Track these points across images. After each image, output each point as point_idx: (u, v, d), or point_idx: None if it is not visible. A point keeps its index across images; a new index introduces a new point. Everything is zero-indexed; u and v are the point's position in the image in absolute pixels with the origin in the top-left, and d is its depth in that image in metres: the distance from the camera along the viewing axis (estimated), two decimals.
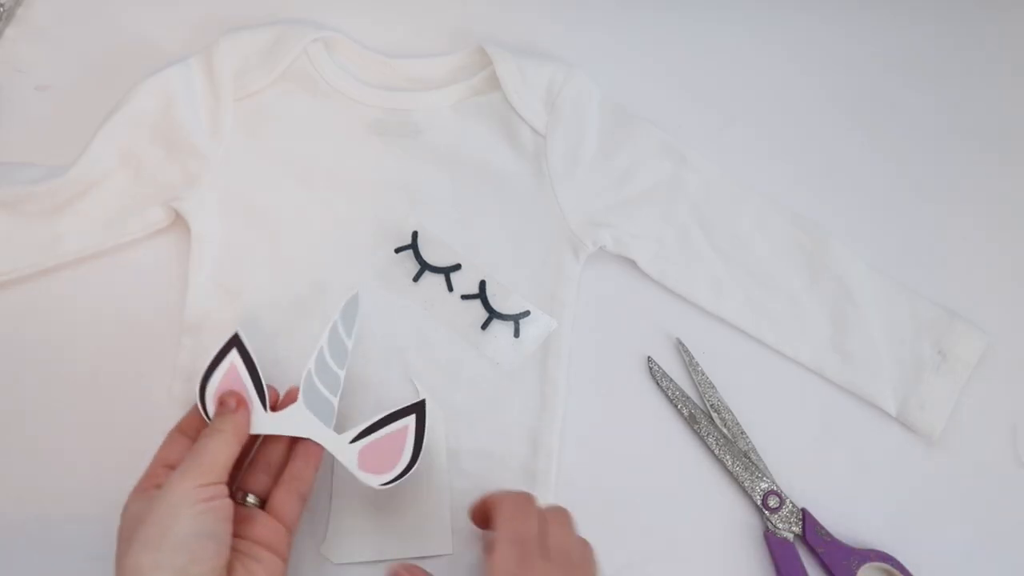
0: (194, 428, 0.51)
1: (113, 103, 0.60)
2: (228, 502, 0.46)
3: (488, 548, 0.45)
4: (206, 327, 0.58)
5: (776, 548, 0.55)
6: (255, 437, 0.52)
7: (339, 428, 0.52)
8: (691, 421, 0.58)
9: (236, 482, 0.51)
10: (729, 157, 0.63)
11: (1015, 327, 0.60)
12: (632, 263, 0.60)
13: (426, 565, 0.49)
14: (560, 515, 0.48)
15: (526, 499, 0.47)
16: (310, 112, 0.63)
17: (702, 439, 0.58)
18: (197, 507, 0.44)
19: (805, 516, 0.56)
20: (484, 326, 0.58)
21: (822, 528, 0.55)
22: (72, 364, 0.59)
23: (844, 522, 0.56)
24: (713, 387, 0.58)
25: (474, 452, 0.56)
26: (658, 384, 0.59)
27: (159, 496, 0.45)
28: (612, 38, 0.67)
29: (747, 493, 0.57)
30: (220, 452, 0.48)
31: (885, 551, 0.55)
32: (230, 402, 0.50)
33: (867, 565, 0.54)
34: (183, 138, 0.60)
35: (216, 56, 0.61)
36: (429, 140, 0.62)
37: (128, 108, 0.60)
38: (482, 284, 0.59)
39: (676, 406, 0.58)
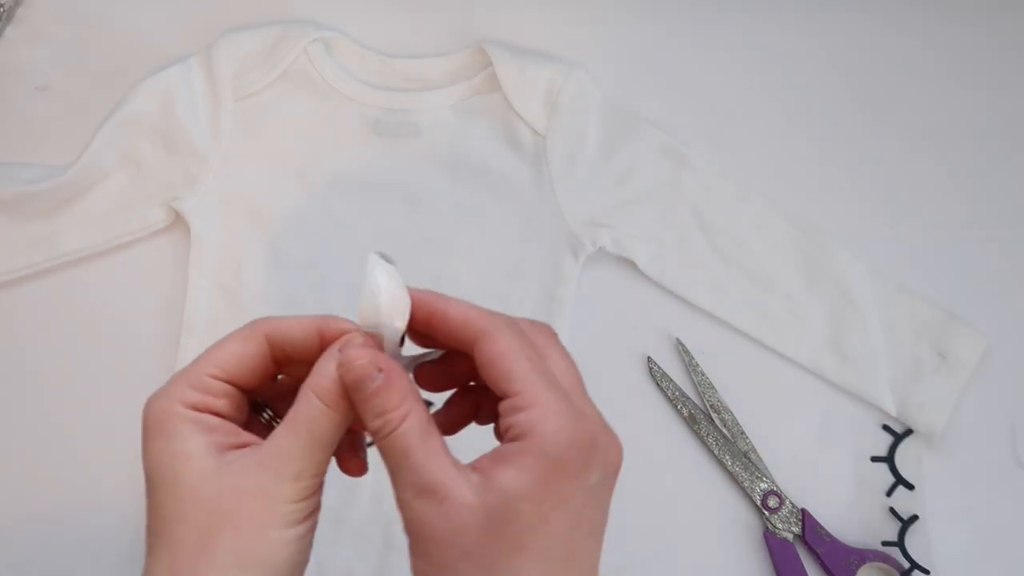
0: (289, 341, 0.32)
1: (113, 103, 0.61)
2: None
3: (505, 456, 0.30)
4: (206, 327, 0.58)
5: (776, 548, 0.55)
6: None
7: None
8: (691, 421, 0.58)
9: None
10: (729, 158, 0.63)
11: (1014, 328, 0.60)
12: (632, 263, 0.60)
13: None
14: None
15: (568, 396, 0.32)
16: (310, 112, 0.63)
17: (702, 439, 0.58)
18: (297, 524, 0.31)
19: (805, 516, 0.56)
20: None
21: (822, 528, 0.55)
22: (72, 364, 0.59)
23: (844, 522, 0.56)
24: (713, 387, 0.58)
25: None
26: (658, 384, 0.59)
27: (243, 486, 0.30)
28: (612, 38, 0.67)
29: (747, 493, 0.57)
30: (330, 448, 0.32)
31: (885, 551, 0.55)
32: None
33: (867, 565, 0.55)
34: (183, 138, 0.60)
35: (216, 56, 0.61)
36: (429, 140, 0.62)
37: (128, 108, 0.60)
38: None
39: (676, 406, 0.58)
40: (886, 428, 0.58)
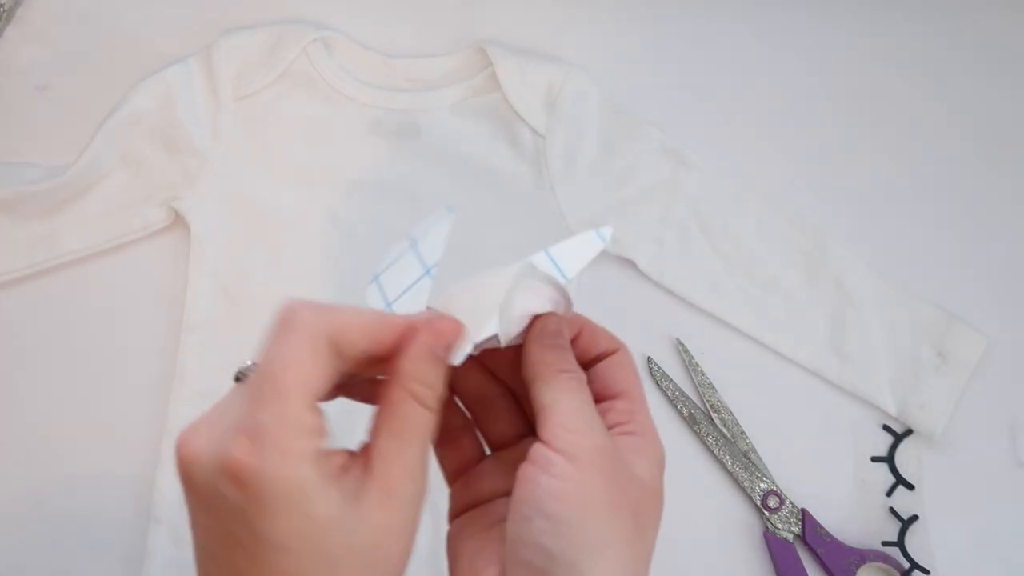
0: (351, 344, 0.28)
1: (113, 103, 0.61)
2: None
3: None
4: (206, 327, 0.58)
5: (776, 548, 0.55)
6: None
7: None
8: (691, 421, 0.58)
9: None
10: (728, 158, 0.63)
11: (1015, 327, 0.60)
12: (632, 263, 0.60)
13: None
14: None
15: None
16: (310, 112, 0.63)
17: (702, 439, 0.58)
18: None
19: (805, 516, 0.56)
20: None
21: (822, 528, 0.55)
22: (72, 364, 0.59)
23: (844, 522, 0.56)
24: (713, 387, 0.58)
25: None
26: (658, 384, 0.59)
27: None
28: (612, 38, 0.67)
29: (747, 493, 0.57)
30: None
31: (885, 551, 0.55)
32: (466, 349, 0.30)
33: (867, 565, 0.55)
34: (183, 138, 0.60)
35: (216, 56, 0.61)
36: (429, 140, 0.62)
37: (128, 108, 0.60)
38: None
39: (676, 406, 0.58)
40: (886, 428, 0.58)
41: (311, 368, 0.26)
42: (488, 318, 0.31)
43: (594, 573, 0.28)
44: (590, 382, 0.33)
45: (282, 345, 0.27)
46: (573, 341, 0.33)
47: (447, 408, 0.33)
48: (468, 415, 0.35)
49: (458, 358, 0.30)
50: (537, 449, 0.29)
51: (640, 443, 0.31)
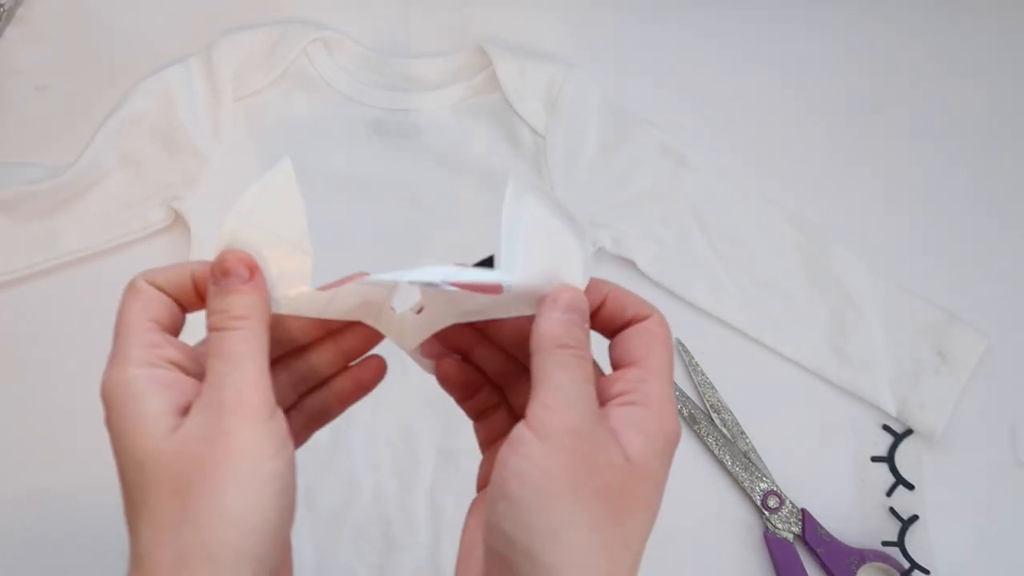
0: (179, 285, 0.32)
1: (113, 103, 0.61)
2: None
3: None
4: (206, 326, 0.58)
5: (776, 548, 0.55)
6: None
7: None
8: (691, 421, 0.58)
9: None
10: (728, 158, 0.63)
11: (1015, 327, 0.60)
12: (632, 263, 0.60)
13: None
14: None
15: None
16: (310, 112, 0.63)
17: (702, 439, 0.58)
18: (268, 460, 0.28)
19: (805, 516, 0.56)
20: None
21: (822, 528, 0.55)
22: (72, 364, 0.58)
23: (844, 522, 0.56)
24: (713, 387, 0.58)
25: (473, 452, 0.56)
26: None
27: (220, 440, 0.28)
28: (612, 38, 0.67)
29: (747, 493, 0.57)
30: (260, 366, 0.30)
31: (885, 551, 0.55)
32: (240, 270, 0.31)
33: (867, 565, 0.55)
34: (183, 138, 0.60)
35: (216, 56, 0.61)
36: (429, 140, 0.62)
37: (128, 108, 0.60)
38: None
39: (676, 406, 0.58)
40: (886, 428, 0.58)
41: (136, 303, 0.31)
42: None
43: (550, 561, 0.26)
44: (612, 350, 0.31)
45: (121, 300, 0.31)
46: (597, 311, 0.32)
47: (482, 387, 0.35)
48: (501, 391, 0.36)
49: (281, 294, 0.32)
50: (516, 427, 0.28)
51: (640, 415, 0.29)
